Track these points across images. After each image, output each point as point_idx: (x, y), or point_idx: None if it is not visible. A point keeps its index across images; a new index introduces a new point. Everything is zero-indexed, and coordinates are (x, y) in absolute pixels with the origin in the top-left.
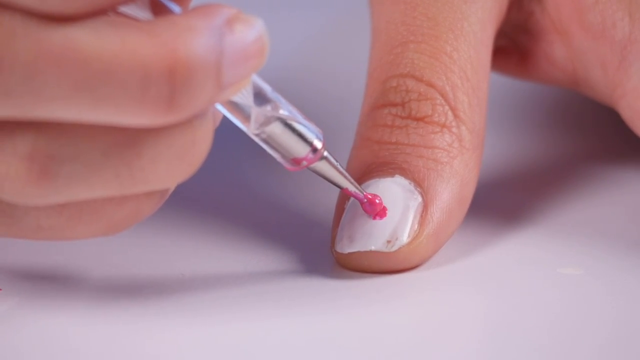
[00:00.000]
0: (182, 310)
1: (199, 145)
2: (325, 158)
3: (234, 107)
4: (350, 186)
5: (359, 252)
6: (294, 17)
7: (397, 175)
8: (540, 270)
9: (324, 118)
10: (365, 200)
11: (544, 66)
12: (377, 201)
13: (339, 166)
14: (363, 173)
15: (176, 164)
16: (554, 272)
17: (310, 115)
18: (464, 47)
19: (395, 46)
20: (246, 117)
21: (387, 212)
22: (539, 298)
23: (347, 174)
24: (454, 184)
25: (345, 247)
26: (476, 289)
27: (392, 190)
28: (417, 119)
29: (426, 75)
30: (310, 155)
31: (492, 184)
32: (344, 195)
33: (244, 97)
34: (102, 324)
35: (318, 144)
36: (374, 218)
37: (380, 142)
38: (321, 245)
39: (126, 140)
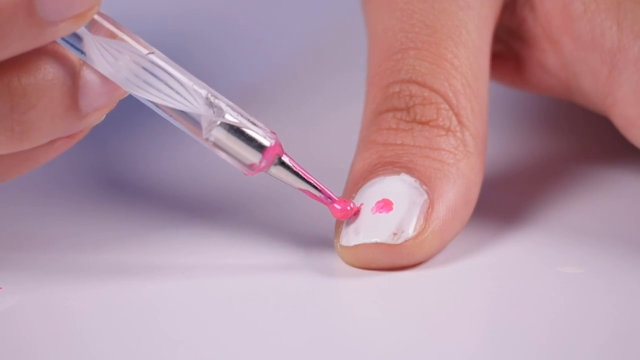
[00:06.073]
0: (181, 309)
1: (21, 116)
2: (282, 162)
3: (181, 114)
4: (311, 189)
5: (364, 245)
6: (294, 17)
7: (402, 174)
8: (541, 269)
9: (323, 122)
10: (333, 203)
11: (538, 74)
12: (349, 207)
13: (302, 170)
14: (368, 172)
15: None
16: (555, 270)
17: (308, 120)
18: (464, 54)
19: (394, 53)
20: (195, 124)
21: (393, 206)
22: (540, 296)
23: (313, 179)
24: (460, 184)
25: (351, 240)
26: (477, 288)
27: (397, 186)
28: (423, 123)
29: (428, 81)
30: (262, 161)
31: (492, 185)
32: (349, 192)
33: (191, 104)
34: (102, 323)
35: (266, 144)
36: (376, 214)
37: (386, 143)
38: (323, 243)
39: None
